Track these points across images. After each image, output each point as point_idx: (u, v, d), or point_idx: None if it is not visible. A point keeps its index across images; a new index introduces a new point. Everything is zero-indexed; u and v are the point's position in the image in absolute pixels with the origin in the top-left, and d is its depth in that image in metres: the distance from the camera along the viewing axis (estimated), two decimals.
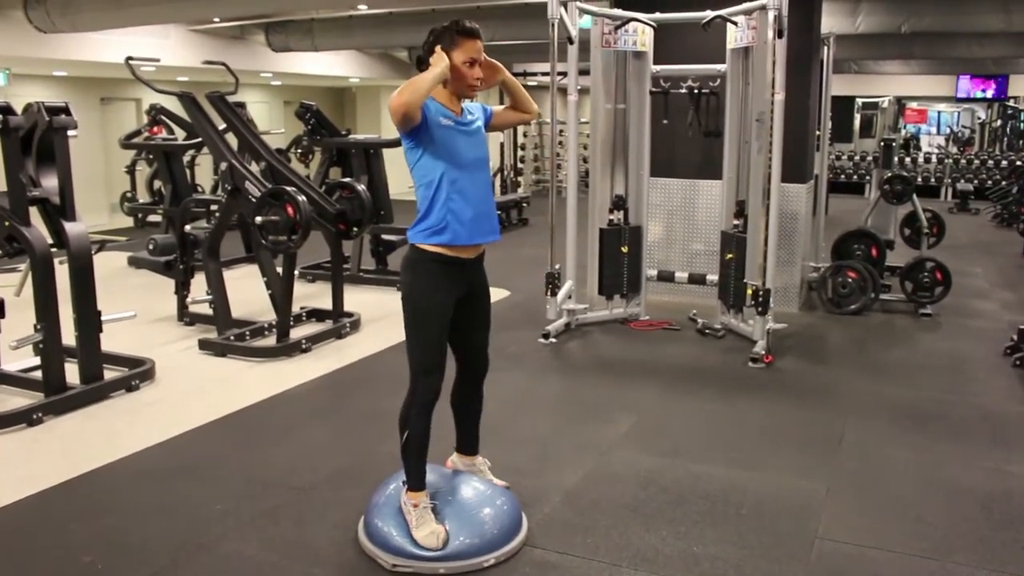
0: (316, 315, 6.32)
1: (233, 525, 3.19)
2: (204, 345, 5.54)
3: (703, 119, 6.17)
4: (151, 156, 10.44)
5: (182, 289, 6.17)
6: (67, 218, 4.55)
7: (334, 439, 4.12)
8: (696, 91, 6.13)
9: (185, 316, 6.20)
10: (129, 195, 11.80)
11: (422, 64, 2.92)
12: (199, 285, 6.06)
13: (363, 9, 9.02)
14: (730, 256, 5.87)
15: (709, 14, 5.51)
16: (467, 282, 2.97)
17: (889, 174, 7.09)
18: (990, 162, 15.61)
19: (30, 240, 4.40)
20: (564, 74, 5.81)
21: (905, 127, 18.75)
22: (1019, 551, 3.02)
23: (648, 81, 6.12)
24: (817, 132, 7.28)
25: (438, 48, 2.85)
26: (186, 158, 10.24)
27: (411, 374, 2.91)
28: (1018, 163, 14.19)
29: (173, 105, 9.02)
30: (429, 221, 2.86)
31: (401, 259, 2.97)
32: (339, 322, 6.01)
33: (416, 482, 2.94)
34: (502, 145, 14.33)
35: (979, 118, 18.30)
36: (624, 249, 6.19)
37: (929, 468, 3.75)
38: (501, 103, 3.76)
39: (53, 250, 4.49)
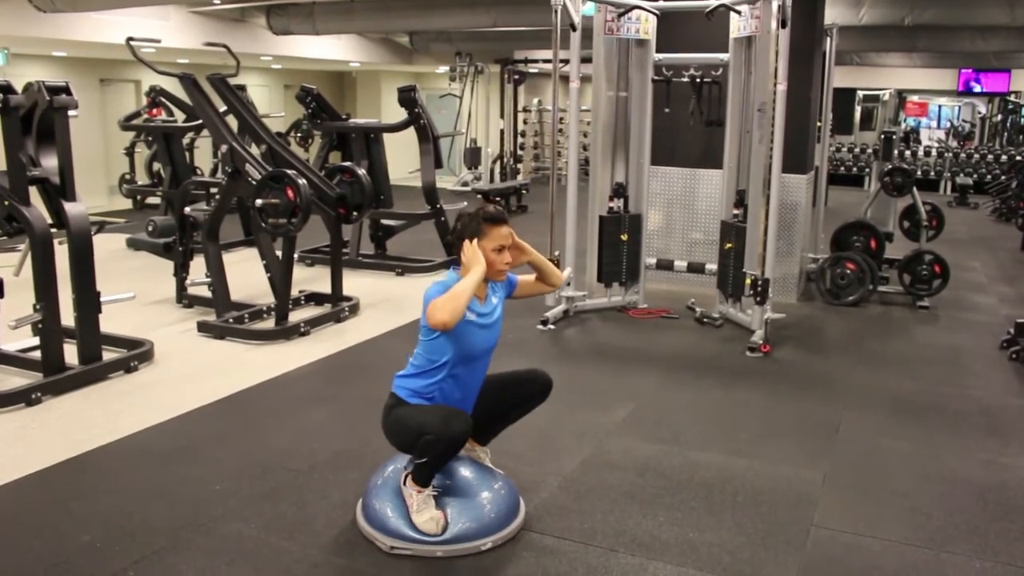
0: (315, 299, 6.33)
1: (232, 506, 3.20)
2: (203, 327, 5.55)
3: (705, 108, 6.17)
4: (150, 138, 10.41)
5: (181, 271, 6.17)
6: (67, 198, 4.54)
7: (332, 422, 4.14)
8: (698, 80, 6.13)
9: (184, 298, 6.21)
10: (128, 177, 11.76)
11: (452, 250, 2.94)
12: (198, 267, 6.06)
13: None
14: (729, 245, 5.87)
15: (713, 3, 5.50)
16: None
17: (889, 167, 7.10)
18: (990, 156, 15.60)
19: (30, 220, 4.39)
20: (566, 61, 5.80)
21: (905, 120, 18.71)
22: (1013, 541, 3.05)
23: (650, 69, 6.11)
24: (818, 123, 7.27)
25: (471, 243, 2.83)
26: (185, 140, 10.22)
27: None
28: (1018, 158, 14.18)
29: (173, 87, 8.98)
30: (417, 387, 2.92)
31: (383, 407, 2.98)
32: (338, 306, 6.02)
33: (425, 482, 2.91)
34: (502, 132, 14.27)
35: (979, 112, 18.26)
36: (623, 237, 6.20)
37: (925, 459, 3.77)
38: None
39: (53, 230, 4.48)
